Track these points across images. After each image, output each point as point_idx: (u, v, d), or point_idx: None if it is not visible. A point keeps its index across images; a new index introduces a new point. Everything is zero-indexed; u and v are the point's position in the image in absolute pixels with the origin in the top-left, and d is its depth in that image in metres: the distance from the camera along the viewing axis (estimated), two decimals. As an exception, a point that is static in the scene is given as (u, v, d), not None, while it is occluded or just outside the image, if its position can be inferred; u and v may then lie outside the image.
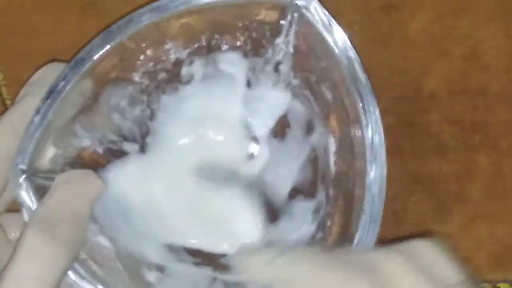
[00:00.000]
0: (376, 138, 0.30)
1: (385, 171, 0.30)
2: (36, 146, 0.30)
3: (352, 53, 0.31)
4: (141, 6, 0.32)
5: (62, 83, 0.31)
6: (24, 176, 0.30)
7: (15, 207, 0.31)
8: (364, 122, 0.31)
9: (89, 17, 0.40)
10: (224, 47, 0.35)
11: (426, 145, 0.40)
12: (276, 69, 0.35)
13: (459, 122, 0.40)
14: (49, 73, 0.32)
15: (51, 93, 0.31)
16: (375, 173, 0.30)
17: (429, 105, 0.40)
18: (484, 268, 0.39)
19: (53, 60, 0.34)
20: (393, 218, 0.39)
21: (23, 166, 0.30)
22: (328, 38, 0.31)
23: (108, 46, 0.31)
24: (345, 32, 0.31)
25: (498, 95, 0.40)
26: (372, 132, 0.30)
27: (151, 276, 0.33)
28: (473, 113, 0.40)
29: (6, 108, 0.40)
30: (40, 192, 0.30)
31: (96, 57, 0.31)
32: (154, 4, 0.31)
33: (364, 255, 0.27)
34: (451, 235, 0.39)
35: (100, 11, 0.40)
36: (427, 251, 0.26)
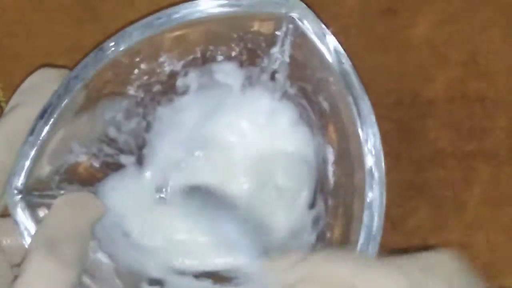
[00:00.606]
0: (374, 153, 0.30)
1: (384, 191, 0.30)
2: (32, 165, 0.30)
3: (347, 65, 0.31)
4: (139, 10, 0.31)
5: (56, 102, 0.30)
6: (20, 196, 0.30)
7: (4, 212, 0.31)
8: (361, 135, 0.30)
9: (87, 20, 0.40)
10: (220, 58, 0.34)
11: (423, 151, 0.39)
12: (272, 77, 0.35)
13: (456, 128, 0.39)
14: (40, 80, 0.32)
15: (45, 112, 0.30)
16: (374, 193, 0.30)
17: (426, 111, 0.39)
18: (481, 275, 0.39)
19: (45, 65, 0.33)
20: (389, 225, 0.38)
21: (19, 186, 0.30)
22: (323, 50, 0.31)
23: (101, 63, 0.31)
24: (342, 36, 0.31)
25: (497, 101, 0.39)
26: (370, 146, 0.30)
27: (151, 291, 0.33)
28: (471, 120, 0.39)
29: (2, 110, 0.39)
30: (37, 210, 0.30)
31: (89, 74, 0.31)
32: (148, 19, 0.31)
33: (390, 260, 0.27)
34: (447, 242, 0.39)
35: (98, 15, 0.40)
36: (447, 262, 0.27)
